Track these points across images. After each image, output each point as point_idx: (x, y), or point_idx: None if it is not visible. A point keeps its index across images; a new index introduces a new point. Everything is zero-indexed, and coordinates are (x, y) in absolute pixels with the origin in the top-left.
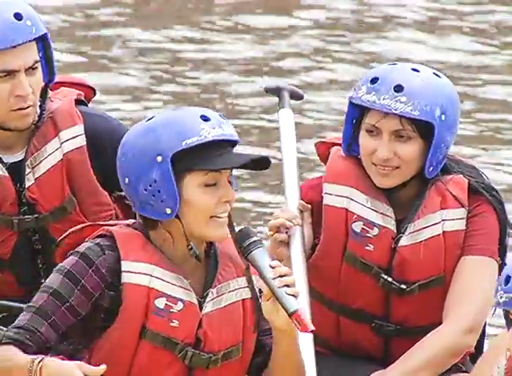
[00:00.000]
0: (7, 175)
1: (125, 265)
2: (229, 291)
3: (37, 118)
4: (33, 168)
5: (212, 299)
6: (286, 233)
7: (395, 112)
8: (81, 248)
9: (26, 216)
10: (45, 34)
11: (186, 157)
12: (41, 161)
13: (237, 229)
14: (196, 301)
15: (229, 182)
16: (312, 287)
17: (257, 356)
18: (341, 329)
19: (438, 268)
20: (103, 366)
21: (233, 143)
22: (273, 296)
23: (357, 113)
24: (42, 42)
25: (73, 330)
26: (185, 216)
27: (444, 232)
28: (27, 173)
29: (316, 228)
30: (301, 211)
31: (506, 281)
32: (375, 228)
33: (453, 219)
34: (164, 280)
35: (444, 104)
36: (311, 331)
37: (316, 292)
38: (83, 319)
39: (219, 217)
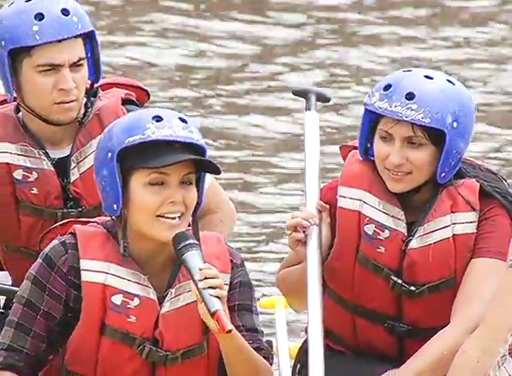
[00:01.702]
0: (53, 169)
1: (83, 263)
2: (188, 291)
3: (82, 114)
4: (78, 163)
5: (170, 299)
6: (304, 232)
7: (406, 119)
8: (47, 248)
9: (70, 209)
10: (92, 31)
11: (131, 155)
12: (86, 157)
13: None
14: (154, 297)
15: (187, 183)
16: (330, 288)
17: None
18: (357, 328)
19: (447, 270)
20: None
21: (196, 147)
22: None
23: (372, 118)
24: (90, 41)
25: (54, 334)
26: (130, 214)
27: (454, 235)
28: (72, 168)
29: (334, 229)
30: (320, 212)
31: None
32: (386, 230)
33: (464, 223)
34: (120, 277)
35: (456, 111)
36: (228, 332)
37: (334, 293)
38: (60, 322)
39: (166, 217)
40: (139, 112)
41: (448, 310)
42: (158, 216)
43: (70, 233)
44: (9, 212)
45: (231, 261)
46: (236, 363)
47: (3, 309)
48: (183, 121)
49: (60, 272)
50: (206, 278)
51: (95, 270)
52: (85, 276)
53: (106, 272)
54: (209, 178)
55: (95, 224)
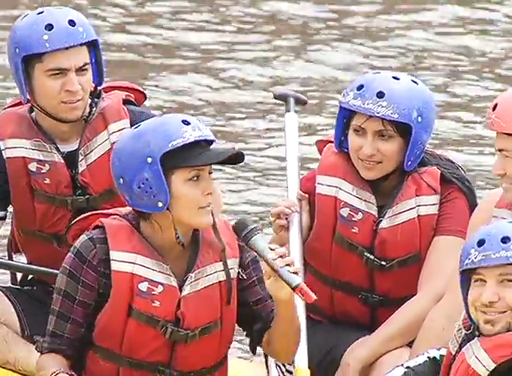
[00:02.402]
0: (63, 161)
1: (113, 254)
2: (206, 275)
3: (87, 113)
4: (85, 156)
5: (190, 283)
6: (286, 219)
7: (377, 115)
8: (77, 243)
9: (79, 197)
10: (96, 40)
11: (173, 156)
12: (92, 150)
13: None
14: (175, 284)
15: (211, 173)
16: (310, 265)
17: (256, 324)
18: (334, 300)
19: (413, 247)
20: None
21: (210, 142)
22: (276, 274)
23: (346, 114)
24: (94, 49)
25: (90, 319)
26: (174, 208)
27: (419, 215)
28: (80, 160)
29: (313, 214)
30: (300, 200)
31: (480, 244)
32: (359, 213)
33: (427, 205)
34: (146, 267)
35: (420, 108)
36: (315, 300)
37: (313, 269)
38: (94, 307)
39: (205, 207)
40: (164, 118)
41: (415, 282)
42: (200, 208)
43: (97, 226)
44: (25, 200)
45: (238, 245)
46: (290, 331)
47: (19, 284)
48: (200, 121)
49: (91, 265)
50: (281, 256)
51: (124, 261)
52: (115, 266)
53: (134, 263)
54: None
55: (118, 217)
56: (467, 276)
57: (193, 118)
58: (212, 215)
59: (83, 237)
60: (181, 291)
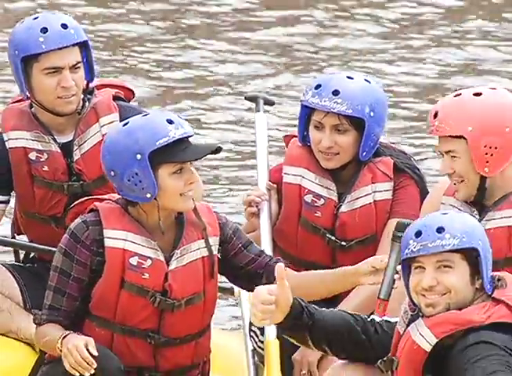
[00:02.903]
0: (59, 151)
1: (106, 233)
2: (191, 251)
3: (80, 107)
4: (79, 146)
5: (176, 258)
6: (257, 207)
7: (334, 111)
8: (72, 225)
9: (74, 183)
10: (86, 41)
11: (159, 153)
12: (86, 141)
13: None
14: (163, 259)
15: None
16: (279, 246)
17: (260, 280)
18: None
19: (370, 228)
20: (94, 351)
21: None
22: (383, 276)
23: (307, 111)
24: (85, 49)
25: (84, 293)
26: (160, 197)
27: (374, 201)
28: (74, 150)
29: (280, 201)
30: (269, 190)
31: (418, 234)
32: (321, 199)
33: (382, 191)
34: (136, 243)
35: (372, 104)
36: (384, 315)
37: (281, 250)
38: (88, 283)
39: (186, 194)
40: (149, 118)
41: None
42: (181, 194)
43: (91, 209)
44: (25, 186)
45: (218, 223)
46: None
47: (22, 262)
48: (181, 118)
49: (84, 245)
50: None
51: (117, 238)
52: (108, 243)
53: (125, 240)
54: None
55: (110, 201)
56: (408, 264)
57: (175, 116)
58: (193, 199)
59: (77, 220)
60: (168, 265)
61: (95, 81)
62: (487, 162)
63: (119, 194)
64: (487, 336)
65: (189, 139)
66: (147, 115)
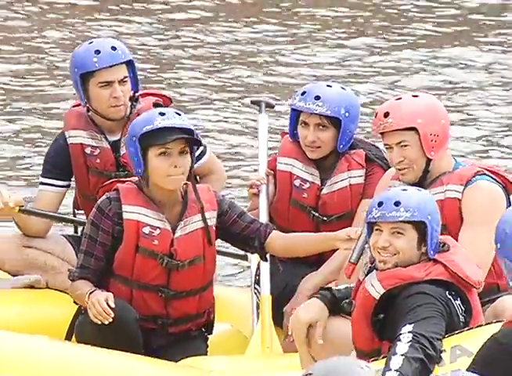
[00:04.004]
0: (109, 147)
1: (124, 207)
2: (192, 223)
3: (128, 113)
4: (125, 144)
5: (181, 228)
6: (257, 188)
7: (316, 112)
8: (99, 201)
9: (120, 172)
10: (131, 60)
11: (148, 137)
12: None
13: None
14: (169, 228)
15: (184, 152)
16: (274, 221)
17: (253, 242)
18: None
19: (346, 207)
20: (112, 307)
21: (186, 130)
22: (355, 244)
23: (296, 113)
24: (131, 66)
25: (108, 255)
26: (152, 176)
27: (350, 184)
28: (121, 146)
29: (275, 185)
30: (267, 175)
31: (380, 204)
32: (307, 183)
33: (356, 176)
34: (148, 216)
35: (347, 106)
36: (351, 275)
37: (276, 224)
38: (110, 247)
39: (171, 175)
40: (149, 111)
41: None
42: (168, 176)
43: (115, 189)
44: (82, 174)
45: (216, 200)
46: (305, 252)
47: (77, 232)
48: (178, 114)
49: (107, 216)
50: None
51: (132, 212)
52: (126, 216)
53: (139, 213)
54: (209, 151)
55: (130, 182)
56: (371, 226)
57: (171, 110)
58: (190, 182)
59: (103, 197)
60: (174, 233)
61: (140, 91)
62: (433, 147)
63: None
64: (426, 288)
65: (186, 131)
66: (150, 110)
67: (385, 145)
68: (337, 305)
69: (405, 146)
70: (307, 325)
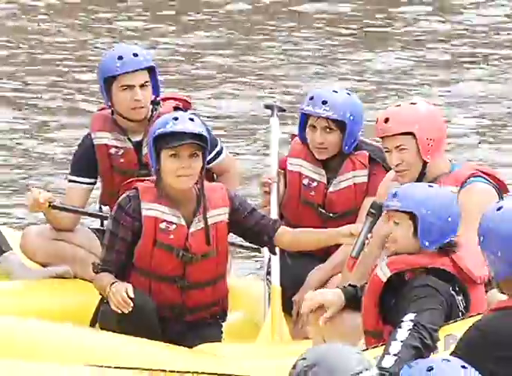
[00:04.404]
0: (132, 147)
1: (143, 205)
2: (206, 218)
3: (149, 115)
4: (146, 144)
5: (195, 223)
6: (269, 187)
7: (323, 116)
8: (120, 199)
9: (142, 171)
10: (153, 66)
11: (161, 140)
12: None
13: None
14: (184, 224)
15: (194, 155)
16: (284, 216)
17: (263, 237)
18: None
19: (351, 204)
20: (131, 297)
21: (197, 135)
22: (357, 240)
23: (304, 117)
24: (152, 71)
25: (128, 249)
26: (164, 176)
27: (354, 183)
28: (143, 147)
29: (285, 183)
30: (278, 174)
31: (394, 195)
32: (315, 182)
33: (360, 176)
34: (164, 212)
35: (352, 110)
36: (352, 269)
37: (286, 219)
38: (130, 242)
39: (181, 176)
40: (165, 116)
41: None
42: (178, 176)
43: (134, 188)
44: (107, 173)
45: (229, 198)
46: (311, 247)
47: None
48: (191, 119)
49: (127, 213)
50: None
51: (150, 209)
52: (145, 212)
53: (156, 210)
54: (225, 151)
55: (148, 181)
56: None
57: (186, 116)
58: (198, 181)
59: (124, 195)
60: (188, 228)
61: (162, 95)
62: (429, 151)
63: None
64: (432, 281)
65: (196, 136)
66: (168, 114)
67: (385, 148)
68: (356, 300)
69: (403, 149)
70: (317, 303)
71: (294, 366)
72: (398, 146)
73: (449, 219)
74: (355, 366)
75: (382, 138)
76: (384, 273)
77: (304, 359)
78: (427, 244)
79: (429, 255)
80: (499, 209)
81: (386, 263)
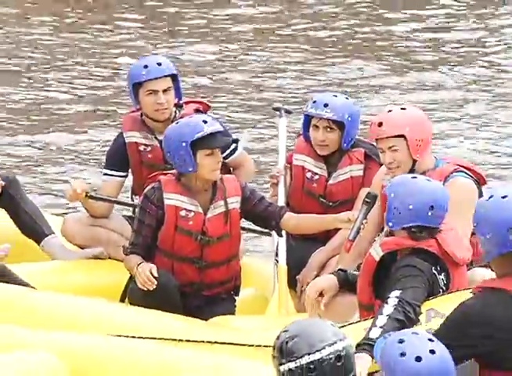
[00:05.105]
0: (159, 145)
1: (165, 195)
2: (220, 206)
3: (172, 117)
4: (166, 145)
5: (211, 210)
6: (277, 179)
7: (324, 117)
8: (146, 190)
9: (167, 165)
10: (175, 74)
11: (198, 142)
12: None
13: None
14: (201, 211)
15: (221, 150)
16: (290, 205)
17: (271, 222)
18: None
19: (348, 194)
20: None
21: (221, 132)
22: (353, 225)
23: (308, 118)
24: (175, 78)
25: (154, 233)
26: (200, 171)
27: (351, 176)
28: None
29: (291, 176)
30: (285, 168)
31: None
32: (317, 175)
33: (356, 170)
34: (184, 201)
35: (350, 112)
36: (349, 250)
37: (293, 208)
38: (155, 228)
39: (216, 170)
40: (192, 119)
41: None
42: (212, 170)
43: (158, 180)
44: (137, 167)
45: (240, 187)
46: (314, 229)
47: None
48: (214, 119)
49: (153, 202)
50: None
51: (171, 198)
52: (167, 202)
53: (176, 199)
54: (240, 147)
55: (170, 174)
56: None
57: (209, 117)
58: (221, 174)
59: (149, 187)
60: (205, 215)
61: (184, 99)
62: (418, 150)
63: (174, 168)
64: (416, 262)
65: (220, 133)
66: (191, 117)
67: (379, 149)
68: (348, 283)
69: (396, 150)
70: (318, 291)
71: (278, 337)
72: (390, 147)
73: (410, 207)
74: (331, 337)
75: (376, 140)
76: (377, 253)
77: (286, 331)
78: (390, 224)
79: (417, 238)
80: (489, 198)
81: (379, 244)
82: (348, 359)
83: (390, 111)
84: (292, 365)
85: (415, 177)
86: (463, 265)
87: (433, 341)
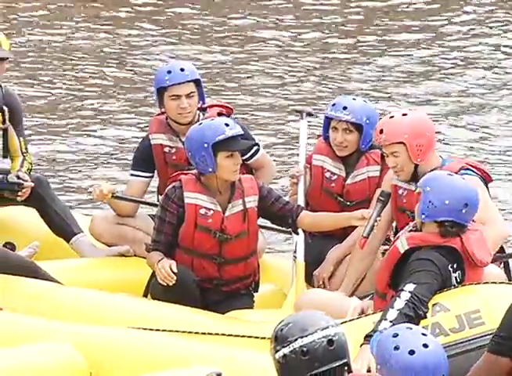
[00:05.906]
0: (183, 146)
1: (186, 194)
2: (238, 205)
3: (196, 120)
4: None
5: (230, 209)
6: (297, 178)
7: (343, 119)
8: (167, 189)
9: (191, 166)
10: (198, 79)
11: (219, 144)
12: None
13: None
14: (220, 210)
15: (241, 153)
16: (309, 204)
17: (287, 220)
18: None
19: (365, 194)
20: (174, 272)
21: (241, 135)
22: (367, 222)
23: (328, 120)
24: (198, 83)
25: (175, 231)
26: (219, 171)
27: (368, 177)
28: None
29: (311, 176)
30: (305, 168)
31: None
32: (335, 175)
33: (373, 171)
34: (203, 200)
35: (368, 115)
36: (363, 247)
37: (312, 207)
38: (176, 225)
39: (235, 171)
40: (213, 121)
41: None
42: (232, 171)
43: (179, 179)
44: (163, 167)
45: (258, 187)
46: (330, 227)
47: None
48: (235, 123)
49: (173, 201)
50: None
51: (191, 197)
52: (187, 200)
53: (197, 198)
54: (262, 149)
55: (190, 174)
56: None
57: (231, 121)
58: (240, 174)
59: (170, 186)
60: (224, 213)
61: (207, 103)
62: (418, 155)
63: (195, 168)
64: (434, 256)
65: (240, 136)
66: (213, 120)
67: (384, 153)
68: None
69: (397, 156)
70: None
71: (275, 327)
72: (392, 152)
73: (446, 202)
74: (324, 323)
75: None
76: (402, 245)
77: (283, 321)
78: (423, 216)
79: (446, 233)
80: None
81: (406, 237)
82: (340, 345)
83: (391, 117)
84: (286, 350)
85: (451, 174)
86: (481, 267)
87: (426, 335)
